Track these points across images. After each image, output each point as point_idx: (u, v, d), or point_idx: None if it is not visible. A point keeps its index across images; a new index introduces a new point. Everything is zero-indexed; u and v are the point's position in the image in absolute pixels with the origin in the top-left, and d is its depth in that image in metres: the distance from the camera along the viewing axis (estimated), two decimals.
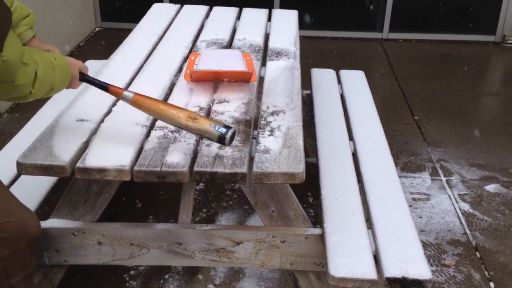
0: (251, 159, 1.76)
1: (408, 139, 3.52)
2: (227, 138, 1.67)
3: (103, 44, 5.31)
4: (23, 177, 2.20)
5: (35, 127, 2.50)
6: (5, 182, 2.14)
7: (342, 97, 2.99)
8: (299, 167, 1.66)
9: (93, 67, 3.28)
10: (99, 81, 1.86)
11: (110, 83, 1.86)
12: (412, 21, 5.51)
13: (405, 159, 3.27)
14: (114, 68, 2.43)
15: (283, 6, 5.45)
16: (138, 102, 1.79)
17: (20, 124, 3.69)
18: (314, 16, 5.48)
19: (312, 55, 4.78)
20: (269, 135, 1.87)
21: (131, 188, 2.60)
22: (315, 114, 2.78)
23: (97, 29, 5.64)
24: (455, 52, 5.17)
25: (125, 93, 1.80)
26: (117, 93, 1.81)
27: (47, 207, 2.10)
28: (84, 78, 1.87)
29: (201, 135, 1.72)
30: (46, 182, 2.19)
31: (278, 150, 1.77)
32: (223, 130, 1.68)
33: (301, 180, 1.64)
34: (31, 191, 2.13)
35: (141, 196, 2.86)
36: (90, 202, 2.00)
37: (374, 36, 5.53)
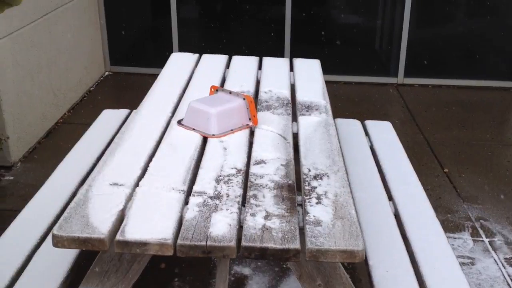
0: (301, 230, 1.64)
1: (441, 194, 3.40)
2: None
3: (113, 89, 5.24)
4: (47, 240, 2.08)
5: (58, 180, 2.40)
6: (29, 247, 2.02)
7: (372, 150, 2.89)
8: (358, 244, 1.54)
9: (111, 117, 3.21)
10: None
11: None
12: (428, 65, 5.45)
13: (442, 217, 3.13)
14: (141, 124, 2.33)
15: (294, 51, 5.41)
16: None
17: (34, 173, 3.59)
18: (326, 60, 5.43)
19: None
20: (316, 203, 1.75)
21: None
22: (346, 170, 2.67)
23: (106, 73, 5.58)
24: (475, 99, 5.07)
25: None
26: None
27: (75, 276, 1.97)
28: None
29: None
30: None
31: (330, 222, 1.65)
32: None
33: (361, 259, 1.52)
34: (56, 257, 1.99)
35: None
36: (122, 271, 1.87)
37: (389, 81, 5.46)
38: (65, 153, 2.73)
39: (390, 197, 2.39)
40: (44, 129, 4.16)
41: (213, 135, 2.22)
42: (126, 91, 5.10)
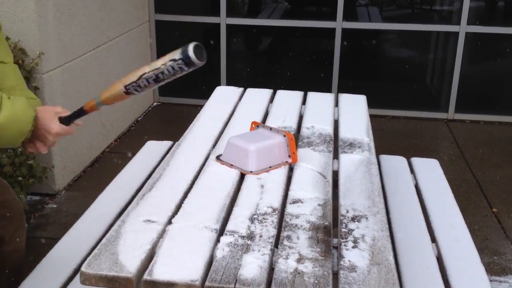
0: (334, 274, 1.58)
1: (488, 234, 3.26)
2: (189, 49, 1.60)
3: (160, 119, 5.30)
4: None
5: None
6: (62, 279, 2.02)
7: (417, 189, 2.80)
8: None
9: (155, 148, 3.23)
10: (75, 112, 1.86)
11: (83, 105, 1.86)
12: (479, 101, 5.29)
13: (488, 259, 3.00)
14: (180, 159, 2.32)
15: (342, 84, 5.35)
16: (108, 98, 1.80)
17: (77, 202, 3.63)
18: (373, 94, 5.34)
19: (374, 135, 4.60)
20: (353, 247, 1.68)
21: None
22: (389, 209, 2.59)
23: (154, 103, 5.66)
24: None
25: (95, 101, 1.82)
26: (91, 107, 1.83)
27: None
28: (66, 119, 1.87)
29: (172, 69, 1.65)
30: None
31: (366, 268, 1.58)
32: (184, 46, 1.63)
33: None
34: None
35: None
36: None
37: (438, 116, 5.33)
38: (108, 182, 2.76)
39: (433, 239, 2.30)
40: (90, 158, 4.22)
41: (251, 172, 2.19)
42: (173, 121, 5.16)
